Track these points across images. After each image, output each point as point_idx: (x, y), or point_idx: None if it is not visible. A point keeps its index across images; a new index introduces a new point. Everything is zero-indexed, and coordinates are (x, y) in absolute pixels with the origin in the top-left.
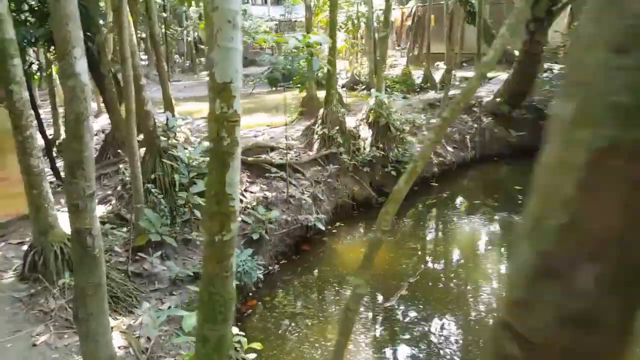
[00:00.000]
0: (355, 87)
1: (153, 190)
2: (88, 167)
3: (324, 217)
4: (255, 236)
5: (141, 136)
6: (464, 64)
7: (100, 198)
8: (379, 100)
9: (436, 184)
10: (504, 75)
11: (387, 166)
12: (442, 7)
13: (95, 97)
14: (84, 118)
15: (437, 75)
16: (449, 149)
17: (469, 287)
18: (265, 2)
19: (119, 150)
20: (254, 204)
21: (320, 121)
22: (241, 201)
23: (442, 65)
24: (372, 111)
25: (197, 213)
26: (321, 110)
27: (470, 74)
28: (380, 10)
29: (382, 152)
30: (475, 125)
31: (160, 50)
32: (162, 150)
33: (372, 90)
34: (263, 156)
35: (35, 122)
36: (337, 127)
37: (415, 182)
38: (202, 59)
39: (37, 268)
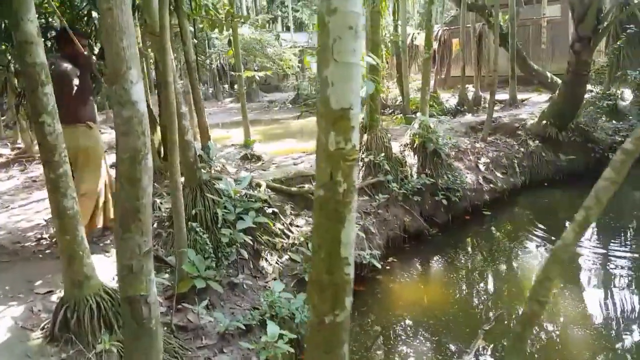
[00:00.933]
0: (383, 111)
1: (197, 229)
2: (145, 218)
3: (377, 252)
4: (307, 277)
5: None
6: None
7: None
8: (425, 125)
9: (488, 212)
10: (536, 98)
11: (436, 194)
12: (468, 30)
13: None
14: (142, 157)
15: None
16: (498, 174)
17: (555, 333)
18: (288, 28)
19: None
20: (302, 239)
21: (364, 147)
22: (287, 236)
23: (471, 88)
24: (417, 136)
25: (244, 253)
26: (365, 136)
27: (501, 96)
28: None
29: (431, 179)
30: (522, 150)
31: (195, 76)
32: (204, 183)
33: (418, 114)
34: (307, 186)
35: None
36: (383, 154)
37: (467, 210)
38: (226, 86)
39: (70, 327)
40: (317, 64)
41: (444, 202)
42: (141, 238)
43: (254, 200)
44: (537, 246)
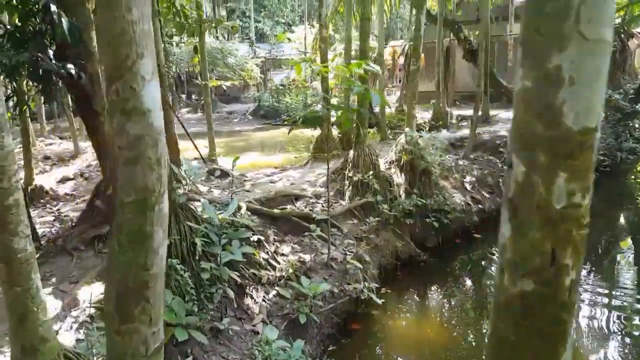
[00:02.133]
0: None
1: (177, 266)
2: (156, 298)
3: (375, 285)
4: (302, 319)
5: None
6: (456, 102)
7: (99, 271)
8: (413, 141)
9: (478, 235)
10: (504, 114)
11: (427, 216)
12: (434, 46)
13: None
14: (155, 200)
15: (428, 115)
16: (485, 194)
17: None
18: (249, 39)
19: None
20: (290, 271)
21: (350, 164)
22: (274, 267)
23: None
24: (405, 152)
25: (230, 292)
26: (351, 152)
27: (466, 112)
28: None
29: (422, 200)
30: (505, 167)
31: (165, 82)
32: (179, 207)
33: (406, 130)
34: (289, 207)
35: (21, 182)
36: (372, 172)
37: (457, 233)
38: (183, 96)
39: None
40: (531, 48)
41: (435, 224)
42: (149, 329)
43: (238, 227)
44: None
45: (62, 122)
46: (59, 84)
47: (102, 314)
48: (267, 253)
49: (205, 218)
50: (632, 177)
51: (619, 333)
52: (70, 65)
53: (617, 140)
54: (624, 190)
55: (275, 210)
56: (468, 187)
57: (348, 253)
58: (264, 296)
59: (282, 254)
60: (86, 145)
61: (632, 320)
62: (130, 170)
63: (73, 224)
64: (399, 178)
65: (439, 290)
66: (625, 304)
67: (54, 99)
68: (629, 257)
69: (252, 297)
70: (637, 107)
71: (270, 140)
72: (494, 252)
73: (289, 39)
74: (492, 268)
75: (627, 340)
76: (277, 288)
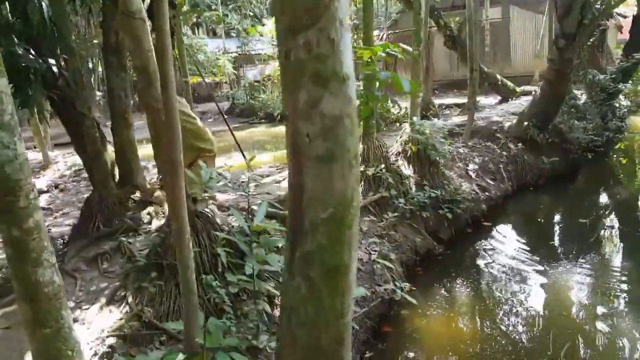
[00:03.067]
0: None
1: (213, 283)
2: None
3: (406, 285)
4: None
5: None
6: (435, 91)
7: (109, 294)
8: (421, 130)
9: (488, 223)
10: (485, 100)
11: (439, 208)
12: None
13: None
14: (354, 215)
15: (404, 103)
16: (489, 181)
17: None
18: (215, 34)
19: (120, 219)
20: None
21: (360, 158)
22: None
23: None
24: (412, 142)
25: (266, 306)
26: (360, 145)
27: (447, 100)
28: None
29: (435, 192)
30: (505, 153)
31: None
32: (196, 216)
33: (415, 118)
34: None
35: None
36: (383, 165)
37: (468, 223)
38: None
39: None
40: None
41: (449, 215)
42: None
43: (271, 234)
44: (554, 261)
45: (25, 131)
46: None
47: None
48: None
49: (239, 229)
50: (614, 155)
51: (606, 313)
52: (52, 61)
53: (604, 120)
54: (610, 169)
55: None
56: (472, 175)
57: (372, 252)
58: None
59: None
60: (55, 154)
61: (618, 299)
62: (324, 171)
63: (64, 241)
64: (407, 170)
65: (462, 283)
66: (611, 284)
67: (34, 102)
68: (614, 235)
69: (274, 305)
70: (620, 86)
71: (249, 139)
72: (505, 240)
73: (260, 34)
74: (503, 259)
75: (615, 320)
76: None
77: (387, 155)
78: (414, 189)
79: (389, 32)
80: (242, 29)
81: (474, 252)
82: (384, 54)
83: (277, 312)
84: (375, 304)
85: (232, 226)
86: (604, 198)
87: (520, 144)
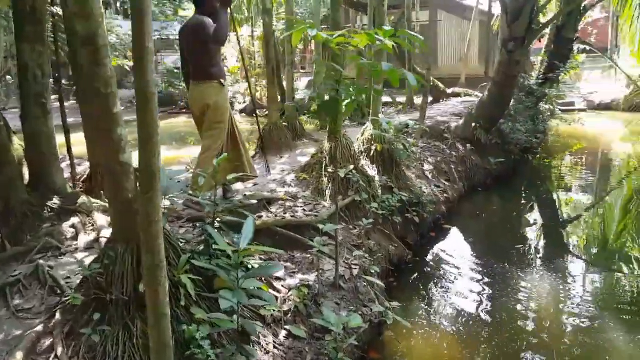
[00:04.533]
0: (255, 113)
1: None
2: None
3: (395, 303)
4: None
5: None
6: None
7: (27, 345)
8: (387, 128)
9: (448, 226)
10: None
11: (406, 211)
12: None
13: None
14: None
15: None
16: (445, 182)
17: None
18: (128, 15)
19: (34, 235)
20: (297, 300)
21: (327, 158)
22: (275, 298)
23: None
24: (376, 141)
25: (256, 352)
26: (325, 144)
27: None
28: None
29: (405, 195)
30: (454, 154)
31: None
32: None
33: (381, 116)
34: (264, 214)
35: None
36: (353, 166)
37: (431, 226)
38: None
39: None
40: None
41: (416, 219)
42: None
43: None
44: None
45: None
46: None
47: None
48: (262, 280)
49: (195, 246)
50: (538, 156)
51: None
52: None
53: (534, 123)
54: (543, 170)
55: (258, 222)
56: (429, 176)
57: (353, 266)
58: (273, 341)
59: (277, 278)
60: None
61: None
62: None
63: None
64: (372, 170)
65: (439, 294)
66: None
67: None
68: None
69: (259, 345)
70: (546, 91)
71: (171, 130)
72: (466, 243)
73: (181, 17)
74: (470, 263)
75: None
76: (286, 327)
77: (356, 156)
78: (380, 191)
79: (322, 26)
80: (160, 12)
81: (440, 257)
82: (384, 41)
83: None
84: (365, 329)
85: (194, 244)
86: (544, 196)
87: (468, 145)
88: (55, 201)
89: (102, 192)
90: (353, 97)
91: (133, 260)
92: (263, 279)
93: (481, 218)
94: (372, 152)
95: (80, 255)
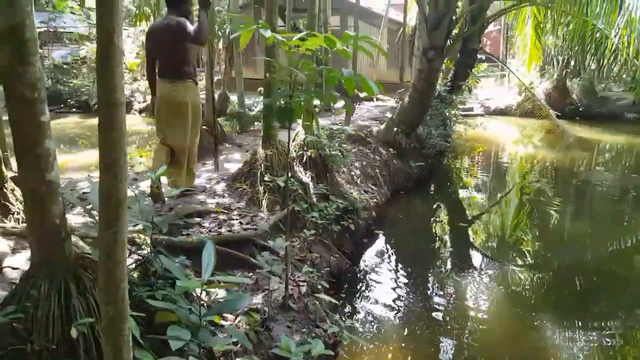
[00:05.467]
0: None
1: None
2: None
3: (349, 322)
4: None
5: None
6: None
7: None
8: (320, 133)
9: (378, 231)
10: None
11: (341, 219)
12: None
13: None
14: None
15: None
16: (372, 187)
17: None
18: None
19: None
20: (248, 327)
21: (261, 165)
22: (221, 329)
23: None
24: (309, 147)
25: None
26: (259, 150)
27: None
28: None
29: (342, 202)
30: (378, 158)
31: None
32: (81, 268)
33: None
34: (197, 230)
35: None
36: (291, 174)
37: (363, 233)
38: None
39: None
40: None
41: (351, 227)
42: None
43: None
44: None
45: None
46: None
47: None
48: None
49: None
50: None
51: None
52: None
53: (444, 127)
54: (455, 172)
55: (189, 239)
56: (357, 181)
57: (301, 284)
58: None
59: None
60: None
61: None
62: None
63: None
64: (305, 177)
65: (382, 305)
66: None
67: None
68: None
69: None
70: (454, 97)
71: (60, 132)
72: (397, 247)
73: (71, 8)
74: (403, 270)
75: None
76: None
77: (292, 163)
78: (314, 198)
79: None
80: (46, 2)
81: (375, 263)
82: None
83: None
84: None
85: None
86: (456, 197)
87: (390, 149)
88: None
89: None
90: (302, 103)
91: (60, 299)
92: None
93: (405, 221)
94: (305, 158)
95: None
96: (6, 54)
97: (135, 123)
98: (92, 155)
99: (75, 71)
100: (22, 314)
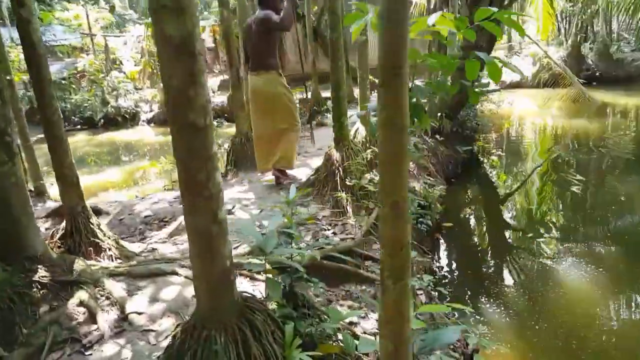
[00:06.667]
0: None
1: None
2: None
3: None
4: None
5: None
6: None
7: None
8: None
9: (449, 224)
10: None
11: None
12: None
13: None
14: None
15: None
16: (428, 177)
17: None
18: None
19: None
20: None
21: (338, 167)
22: None
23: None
24: (369, 143)
25: None
26: (334, 152)
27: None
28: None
29: (420, 199)
30: (425, 147)
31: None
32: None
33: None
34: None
35: None
36: (368, 176)
37: (436, 229)
38: None
39: None
40: None
41: (429, 222)
42: None
43: None
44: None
45: None
46: None
47: None
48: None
49: None
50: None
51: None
52: None
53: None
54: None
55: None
56: (414, 173)
57: (417, 292)
58: None
59: (351, 323)
60: None
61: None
62: None
63: None
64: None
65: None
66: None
67: None
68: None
69: None
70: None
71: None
72: (471, 241)
73: (60, 20)
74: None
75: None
76: None
77: (366, 165)
78: None
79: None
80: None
81: (457, 262)
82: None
83: None
84: None
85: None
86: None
87: (437, 135)
88: (43, 273)
89: (86, 249)
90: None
91: (238, 348)
92: (340, 327)
93: (470, 211)
94: (369, 154)
95: (111, 347)
96: None
97: (145, 136)
98: (112, 174)
99: (74, 86)
100: None
